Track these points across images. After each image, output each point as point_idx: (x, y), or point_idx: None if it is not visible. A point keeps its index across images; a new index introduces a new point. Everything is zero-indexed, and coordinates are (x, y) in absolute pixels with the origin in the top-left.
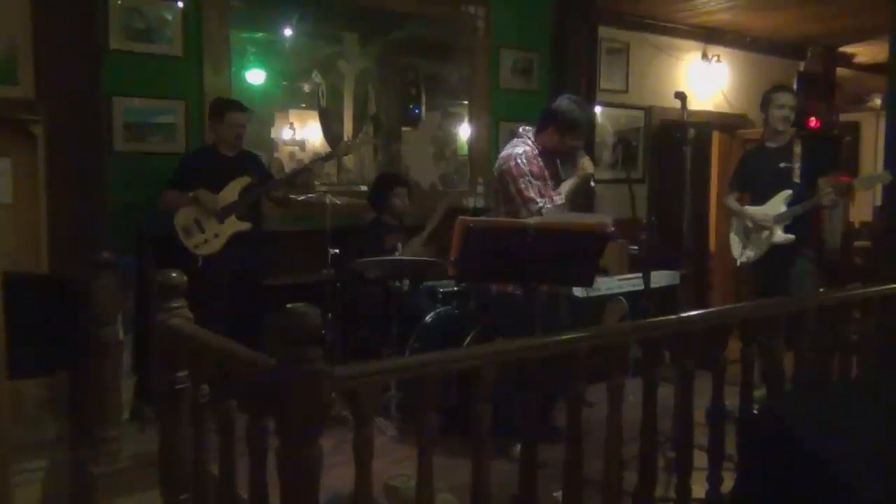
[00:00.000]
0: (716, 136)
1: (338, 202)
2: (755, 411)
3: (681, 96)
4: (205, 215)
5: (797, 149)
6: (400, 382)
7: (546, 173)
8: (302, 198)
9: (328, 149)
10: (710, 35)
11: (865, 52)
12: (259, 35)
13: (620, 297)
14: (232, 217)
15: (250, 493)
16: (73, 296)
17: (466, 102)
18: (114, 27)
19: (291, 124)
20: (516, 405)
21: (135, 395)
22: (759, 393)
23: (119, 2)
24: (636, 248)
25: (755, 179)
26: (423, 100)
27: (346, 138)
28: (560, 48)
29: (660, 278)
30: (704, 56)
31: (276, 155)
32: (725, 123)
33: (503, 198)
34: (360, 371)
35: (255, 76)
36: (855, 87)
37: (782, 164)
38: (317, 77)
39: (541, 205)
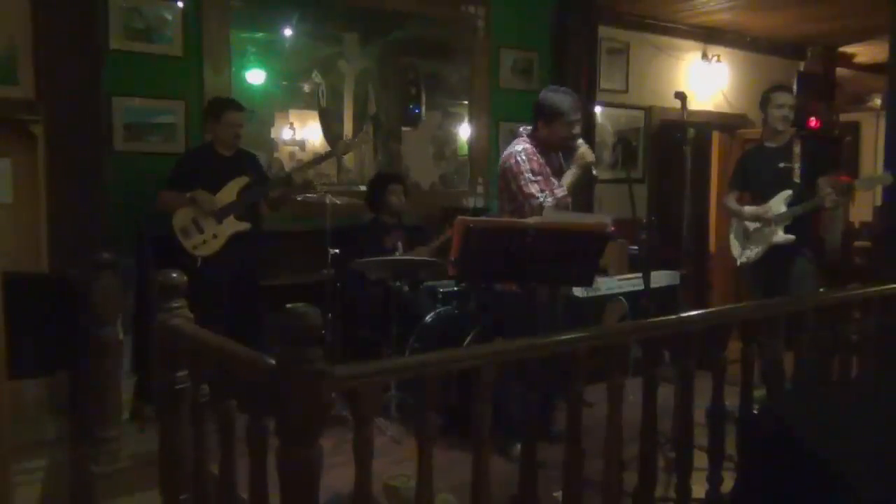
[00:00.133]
0: (716, 136)
1: (338, 202)
2: (755, 411)
3: (681, 96)
4: (203, 216)
5: (797, 149)
6: (400, 382)
7: (548, 169)
8: (300, 198)
9: (328, 149)
10: (710, 35)
11: (865, 52)
12: (259, 35)
13: (620, 297)
14: (230, 217)
15: (250, 493)
16: (73, 296)
17: (466, 102)
18: (114, 27)
19: (291, 124)
20: (516, 405)
21: (135, 395)
22: (759, 393)
23: (119, 2)
24: (636, 248)
25: (755, 179)
26: (423, 100)
27: (345, 138)
28: (560, 48)
29: (660, 278)
30: (704, 56)
31: (276, 155)
32: (725, 123)
33: (507, 196)
34: (360, 371)
35: (255, 76)
36: (855, 87)
37: (782, 165)
38: (317, 77)
39: (541, 199)
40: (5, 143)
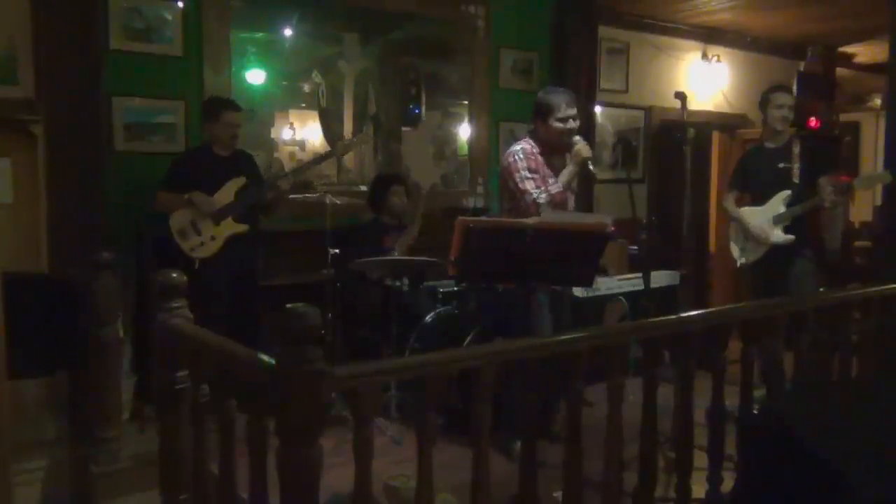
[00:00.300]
0: (716, 136)
1: (338, 202)
2: (755, 411)
3: (681, 96)
4: (201, 218)
5: (796, 149)
6: (400, 382)
7: (547, 170)
8: (299, 197)
9: (328, 149)
10: (710, 35)
11: (865, 52)
12: (259, 35)
13: (620, 297)
14: (228, 219)
15: (250, 493)
16: (73, 296)
17: (466, 102)
18: (114, 27)
19: (291, 124)
20: (516, 404)
21: (135, 395)
22: (759, 393)
23: (119, 2)
24: (636, 248)
25: (754, 180)
26: (423, 100)
27: (344, 139)
28: (560, 48)
29: (660, 278)
30: (704, 56)
31: (276, 155)
32: (725, 123)
33: (506, 195)
34: (360, 371)
35: (255, 76)
36: (855, 87)
37: (781, 165)
38: (317, 77)
39: (535, 195)
40: (5, 143)
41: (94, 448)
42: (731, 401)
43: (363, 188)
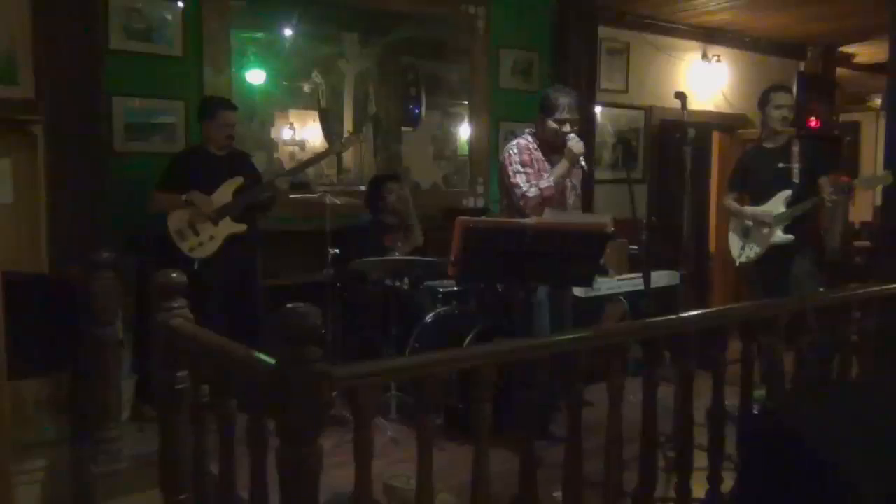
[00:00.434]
0: (716, 136)
1: (338, 202)
2: (755, 411)
3: (681, 96)
4: (199, 218)
5: (795, 149)
6: (400, 382)
7: (545, 165)
8: (299, 197)
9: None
10: (710, 35)
11: (865, 52)
12: (259, 35)
13: (620, 297)
14: (227, 219)
15: (250, 493)
16: (73, 296)
17: (466, 102)
18: (114, 27)
19: (291, 124)
20: (516, 404)
21: (135, 395)
22: (759, 393)
23: (119, 2)
24: (636, 248)
25: (754, 180)
26: (423, 100)
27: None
28: (560, 48)
29: (660, 278)
30: (704, 56)
31: (276, 155)
32: (725, 123)
33: (503, 190)
34: (360, 371)
35: (255, 76)
36: (855, 87)
37: (781, 165)
38: (317, 77)
39: (524, 189)
40: (5, 143)
41: (94, 448)
42: (731, 401)
43: (363, 188)
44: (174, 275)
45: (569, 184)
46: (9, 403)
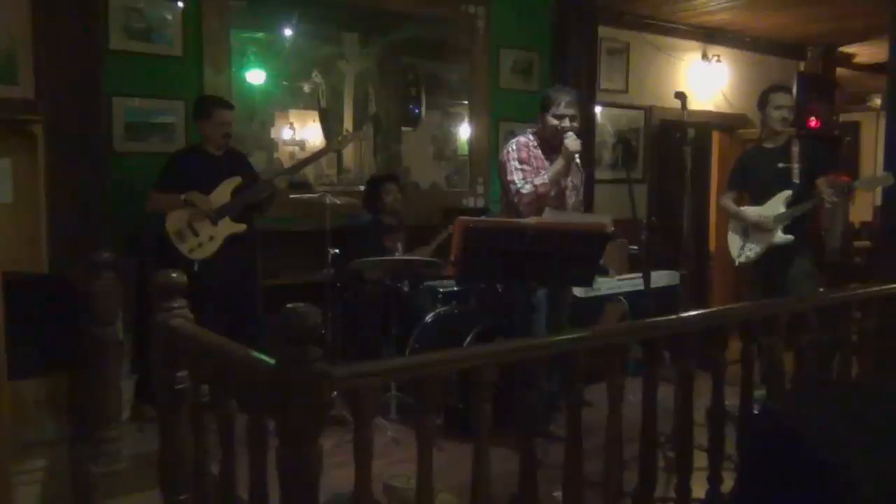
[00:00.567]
0: (716, 136)
1: (337, 202)
2: (755, 411)
3: (681, 96)
4: (198, 218)
5: (795, 149)
6: (400, 382)
7: (544, 163)
8: (299, 197)
9: None
10: (710, 35)
11: (865, 52)
12: (259, 35)
13: (620, 297)
14: (226, 219)
15: (250, 493)
16: (73, 296)
17: (466, 102)
18: (114, 27)
19: (291, 124)
20: (516, 404)
21: (135, 395)
22: (759, 393)
23: (119, 2)
24: (636, 248)
25: (754, 180)
26: (423, 100)
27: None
28: (560, 48)
29: (660, 278)
30: (704, 56)
31: (276, 155)
32: (725, 123)
33: (503, 189)
34: (360, 371)
35: (255, 76)
36: (855, 87)
37: (781, 165)
38: (317, 77)
39: (519, 185)
40: (5, 143)
41: (94, 448)
42: (731, 401)
43: (363, 188)
44: (174, 275)
45: (569, 184)
46: (9, 403)
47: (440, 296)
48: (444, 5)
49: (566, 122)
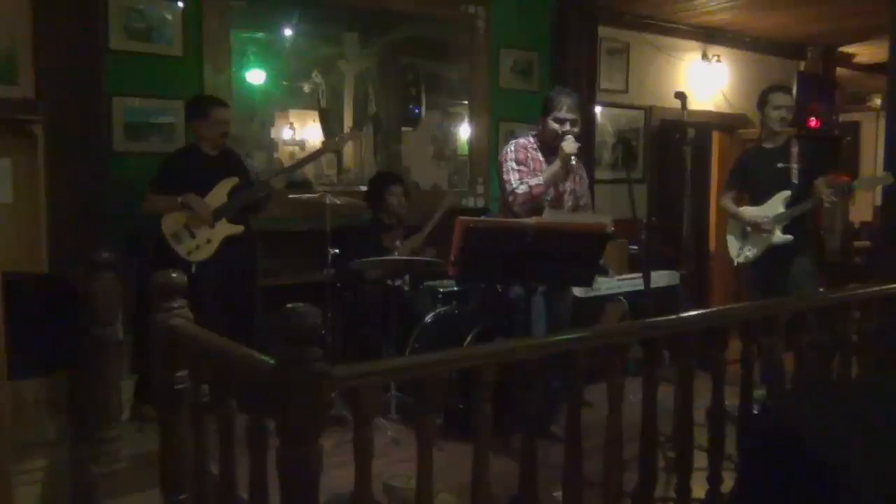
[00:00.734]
0: (716, 136)
1: (338, 202)
2: (755, 411)
3: (681, 96)
4: (195, 220)
5: (794, 149)
6: (400, 382)
7: (537, 165)
8: (299, 197)
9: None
10: (710, 35)
11: (865, 52)
12: (259, 35)
13: (620, 297)
14: (223, 220)
15: (250, 493)
16: (73, 296)
17: (466, 102)
18: (114, 27)
19: (291, 124)
20: (516, 404)
21: (135, 395)
22: (759, 393)
23: (119, 2)
24: (636, 248)
25: (753, 180)
26: (423, 100)
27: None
28: (560, 48)
29: (660, 278)
30: (704, 56)
31: (276, 155)
32: (725, 123)
33: (501, 188)
34: (360, 371)
35: (255, 76)
36: (855, 87)
37: (780, 165)
38: (317, 77)
39: (514, 186)
40: (5, 143)
41: (94, 448)
42: (731, 401)
43: (363, 188)
44: (174, 275)
45: (567, 188)
46: (9, 403)
47: (440, 296)
48: (444, 5)
49: (567, 126)
